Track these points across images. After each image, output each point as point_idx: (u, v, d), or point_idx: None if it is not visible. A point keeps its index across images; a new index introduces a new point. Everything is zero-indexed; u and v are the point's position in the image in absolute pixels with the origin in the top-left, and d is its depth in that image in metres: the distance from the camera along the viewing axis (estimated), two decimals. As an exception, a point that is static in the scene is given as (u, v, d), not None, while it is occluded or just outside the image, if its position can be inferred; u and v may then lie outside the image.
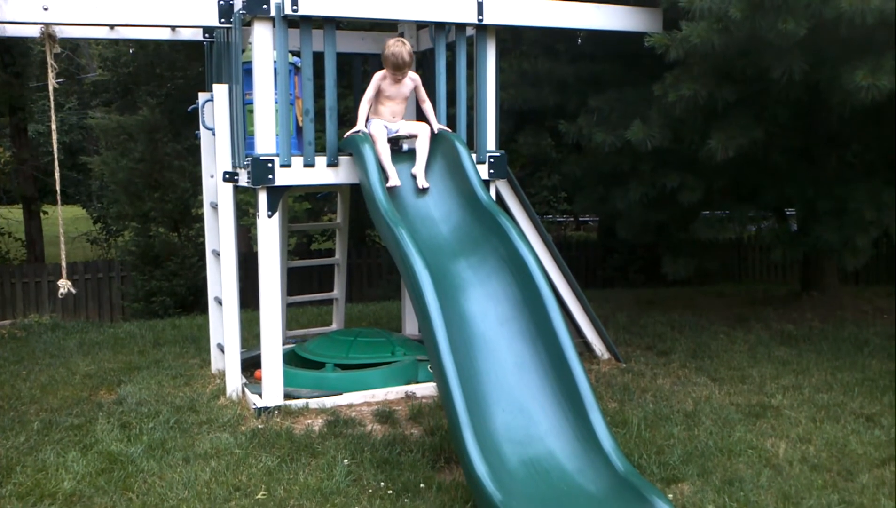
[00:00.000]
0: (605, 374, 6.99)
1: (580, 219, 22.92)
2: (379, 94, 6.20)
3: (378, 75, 6.19)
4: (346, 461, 5.13)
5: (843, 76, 6.41)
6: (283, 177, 6.07)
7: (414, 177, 6.05)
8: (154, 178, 14.56)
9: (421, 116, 6.55)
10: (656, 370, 7.11)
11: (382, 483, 4.82)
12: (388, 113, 6.21)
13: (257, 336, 6.47)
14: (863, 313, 9.43)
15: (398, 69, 6.04)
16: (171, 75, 16.91)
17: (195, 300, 13.80)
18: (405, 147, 6.37)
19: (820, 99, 7.51)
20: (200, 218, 15.97)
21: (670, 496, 4.56)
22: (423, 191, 5.96)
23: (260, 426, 5.76)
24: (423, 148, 6.14)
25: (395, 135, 6.22)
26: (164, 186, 14.58)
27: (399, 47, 5.97)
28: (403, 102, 6.29)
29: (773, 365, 7.21)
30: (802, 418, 5.85)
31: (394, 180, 5.92)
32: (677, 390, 6.54)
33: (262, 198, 6.06)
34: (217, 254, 7.00)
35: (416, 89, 6.32)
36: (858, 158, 9.06)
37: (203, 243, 7.81)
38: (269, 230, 6.07)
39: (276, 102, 6.03)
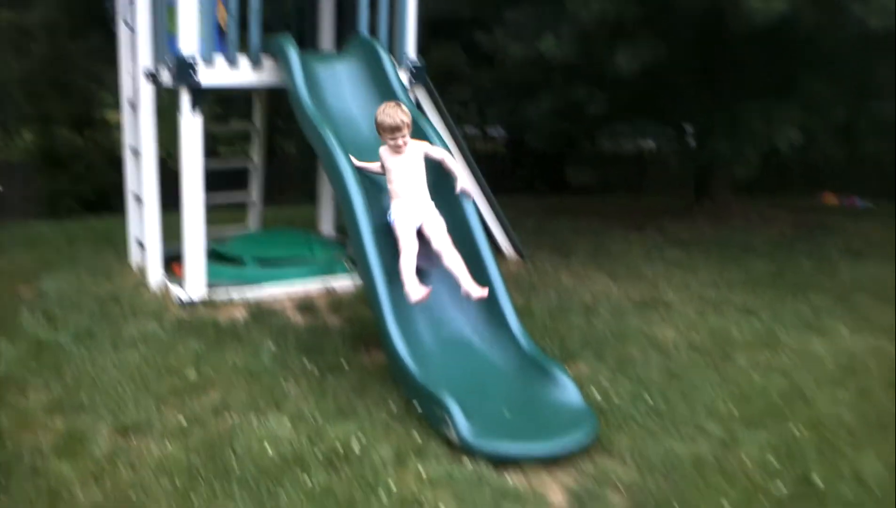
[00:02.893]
0: (512, 273, 7.44)
1: (489, 133, 23.34)
2: (388, 173, 5.25)
3: (382, 152, 5.29)
4: (271, 345, 5.45)
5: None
6: (206, 76, 6.18)
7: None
8: (57, 78, 14.16)
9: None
10: (559, 269, 7.61)
11: (307, 364, 5.17)
12: (407, 193, 5.18)
13: (171, 237, 6.65)
14: (750, 221, 10.14)
15: (396, 130, 5.07)
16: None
17: (101, 203, 13.63)
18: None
19: (720, 21, 7.96)
20: (106, 121, 15.66)
21: (570, 372, 5.05)
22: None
23: (185, 317, 6.01)
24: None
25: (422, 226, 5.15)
26: (67, 87, 14.21)
27: (391, 108, 5.11)
28: (419, 172, 5.22)
29: (665, 266, 7.81)
30: (690, 310, 6.45)
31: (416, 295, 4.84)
32: (578, 286, 7.06)
33: (185, 97, 6.16)
34: (136, 152, 7.07)
35: (426, 155, 5.31)
36: (753, 77, 9.62)
37: (110, 146, 7.84)
38: (192, 128, 6.20)
39: (199, 1, 6.08)
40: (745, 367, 5.34)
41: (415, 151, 5.20)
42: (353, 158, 5.31)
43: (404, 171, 5.16)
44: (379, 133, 5.19)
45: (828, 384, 5.13)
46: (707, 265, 7.84)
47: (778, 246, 8.83)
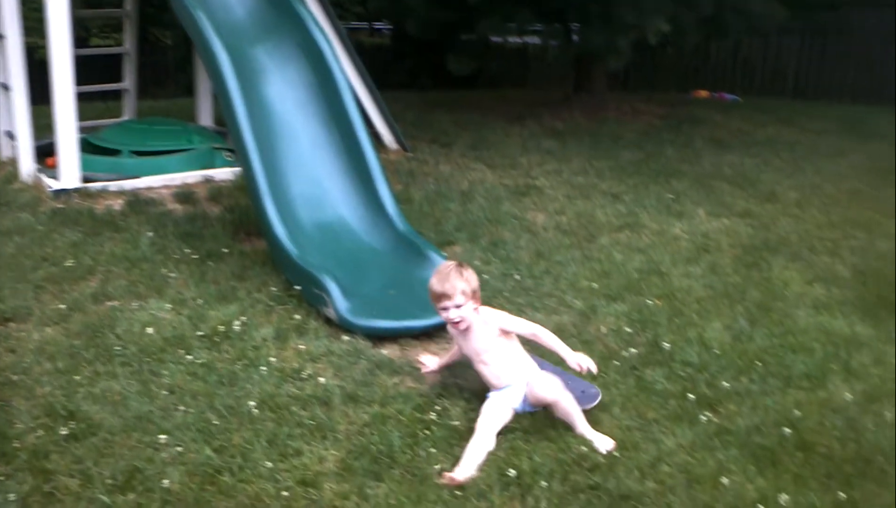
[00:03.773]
0: (392, 162, 7.58)
1: (374, 27, 23.00)
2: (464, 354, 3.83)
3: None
4: (150, 233, 5.47)
5: None
6: (69, -45, 5.95)
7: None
8: None
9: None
10: (439, 159, 7.80)
11: (187, 251, 5.24)
12: (489, 376, 3.69)
13: (43, 128, 6.48)
14: (623, 114, 10.53)
15: (442, 298, 3.64)
16: None
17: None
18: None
19: None
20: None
21: (445, 254, 5.30)
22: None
23: (60, 207, 5.93)
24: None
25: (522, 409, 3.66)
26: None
27: (444, 270, 3.69)
28: (497, 351, 3.68)
29: (540, 155, 8.10)
30: (560, 195, 6.76)
31: None
32: (456, 174, 7.28)
33: (48, -23, 5.93)
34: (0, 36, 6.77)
35: (501, 329, 3.70)
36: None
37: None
38: (58, 10, 5.99)
39: None
40: (607, 247, 5.70)
41: (484, 329, 3.68)
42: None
43: (470, 352, 3.73)
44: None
45: (682, 261, 5.54)
46: (579, 154, 8.16)
47: (646, 136, 9.24)
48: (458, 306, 3.61)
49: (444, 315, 3.67)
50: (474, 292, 3.65)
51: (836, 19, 12.74)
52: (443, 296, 3.62)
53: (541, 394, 3.54)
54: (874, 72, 13.34)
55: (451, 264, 3.72)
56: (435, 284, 3.64)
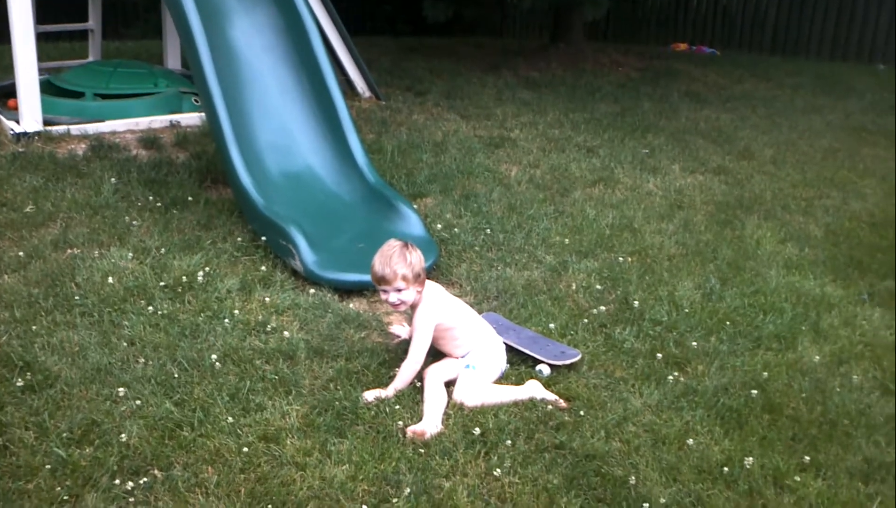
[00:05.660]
0: (365, 110, 7.43)
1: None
2: None
3: None
4: (113, 179, 5.33)
5: None
6: None
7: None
8: None
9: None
10: (413, 108, 7.66)
11: (151, 198, 5.10)
12: (443, 350, 3.71)
13: (5, 69, 6.26)
14: (601, 65, 10.38)
15: (377, 283, 3.59)
16: None
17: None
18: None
19: None
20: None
21: (416, 206, 5.21)
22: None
23: (21, 151, 5.75)
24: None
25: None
26: None
27: (385, 251, 3.56)
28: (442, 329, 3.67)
29: (515, 106, 7.98)
30: (534, 148, 6.67)
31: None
32: (430, 124, 7.15)
33: None
34: (-44, -29, 6.51)
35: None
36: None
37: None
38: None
39: None
40: (580, 201, 5.63)
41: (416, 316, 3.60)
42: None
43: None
44: None
45: (655, 217, 5.49)
46: (555, 106, 8.05)
47: (624, 89, 9.13)
48: (398, 290, 3.51)
49: (383, 297, 3.58)
50: (417, 276, 3.52)
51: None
52: (382, 280, 3.51)
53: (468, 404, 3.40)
54: (852, 28, 13.26)
55: (396, 245, 3.55)
56: (376, 265, 3.52)
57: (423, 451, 3.07)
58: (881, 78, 10.97)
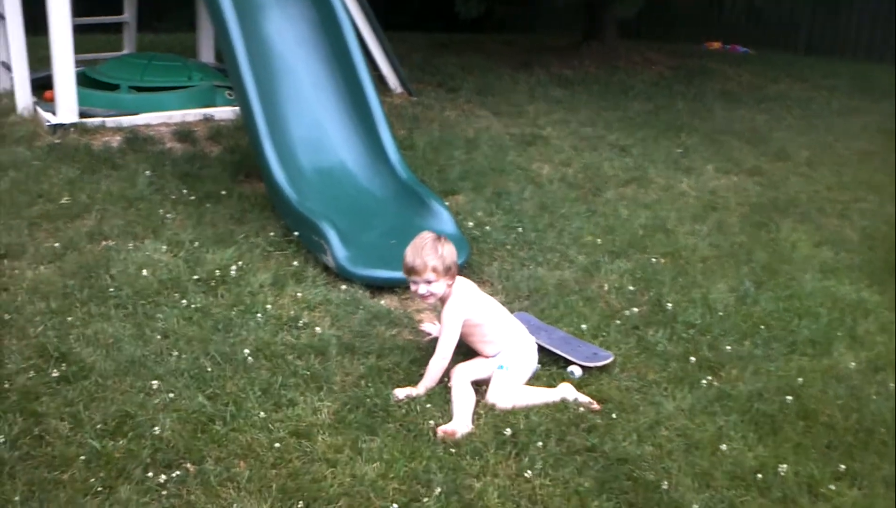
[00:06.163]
0: (397, 106, 7.43)
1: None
2: None
3: None
4: (147, 172, 5.37)
5: None
6: None
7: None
8: None
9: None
10: (444, 104, 7.64)
11: (185, 192, 5.14)
12: (473, 347, 3.68)
13: (40, 61, 6.33)
14: (634, 63, 10.30)
15: (407, 273, 3.58)
16: None
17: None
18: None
19: None
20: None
21: (448, 203, 5.20)
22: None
23: (57, 142, 5.81)
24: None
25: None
26: None
27: (417, 242, 3.55)
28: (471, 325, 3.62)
29: (547, 103, 7.94)
30: (566, 146, 6.64)
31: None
32: (461, 121, 7.14)
33: None
34: (-5, -37, 6.58)
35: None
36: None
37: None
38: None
39: None
40: (613, 201, 5.59)
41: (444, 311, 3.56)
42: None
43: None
44: None
45: (689, 218, 5.44)
46: (588, 104, 8.00)
47: (657, 87, 9.05)
48: (428, 282, 3.48)
49: (413, 289, 3.56)
50: (447, 269, 3.49)
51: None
52: (412, 271, 3.50)
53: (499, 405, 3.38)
54: (888, 30, 13.06)
55: (429, 236, 3.54)
56: (407, 256, 3.51)
57: (453, 451, 3.06)
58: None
